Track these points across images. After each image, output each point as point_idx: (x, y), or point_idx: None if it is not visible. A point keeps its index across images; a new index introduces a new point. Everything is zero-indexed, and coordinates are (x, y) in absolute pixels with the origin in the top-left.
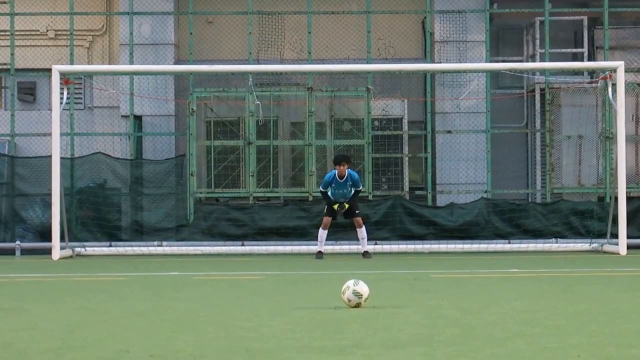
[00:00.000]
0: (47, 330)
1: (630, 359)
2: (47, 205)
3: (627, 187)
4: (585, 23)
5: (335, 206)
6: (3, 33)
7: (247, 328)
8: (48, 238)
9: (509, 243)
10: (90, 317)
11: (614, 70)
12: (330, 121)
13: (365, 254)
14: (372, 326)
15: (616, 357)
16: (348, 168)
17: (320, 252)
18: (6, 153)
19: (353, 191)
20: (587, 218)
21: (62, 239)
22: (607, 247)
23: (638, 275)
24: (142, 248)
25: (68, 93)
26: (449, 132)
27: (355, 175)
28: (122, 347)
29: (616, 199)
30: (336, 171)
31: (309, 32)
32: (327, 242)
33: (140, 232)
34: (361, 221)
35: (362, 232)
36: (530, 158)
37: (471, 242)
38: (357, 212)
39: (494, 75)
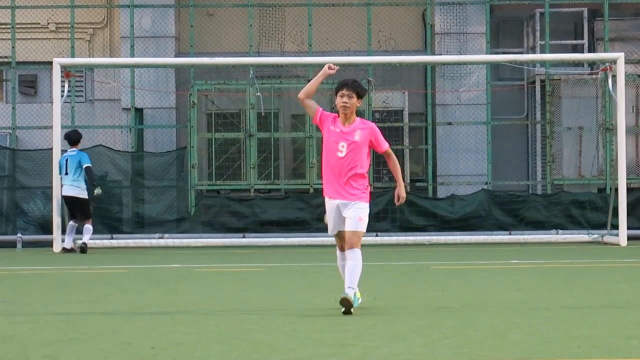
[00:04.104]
0: (48, 323)
1: (630, 349)
2: (48, 197)
3: (627, 179)
4: (586, 15)
5: None
6: (4, 26)
7: (248, 320)
8: (49, 230)
9: (510, 234)
10: (91, 310)
11: (614, 61)
12: None
13: None
14: (372, 318)
15: (616, 348)
16: None
17: None
18: (7, 146)
19: None
20: (587, 209)
21: (63, 231)
22: (608, 238)
23: (638, 266)
24: (143, 240)
25: (69, 86)
26: (450, 123)
27: None
28: (123, 339)
29: (616, 190)
30: None
31: (310, 25)
32: (328, 235)
33: (141, 225)
34: None
35: None
36: (531, 149)
37: (472, 233)
38: None
39: (494, 67)
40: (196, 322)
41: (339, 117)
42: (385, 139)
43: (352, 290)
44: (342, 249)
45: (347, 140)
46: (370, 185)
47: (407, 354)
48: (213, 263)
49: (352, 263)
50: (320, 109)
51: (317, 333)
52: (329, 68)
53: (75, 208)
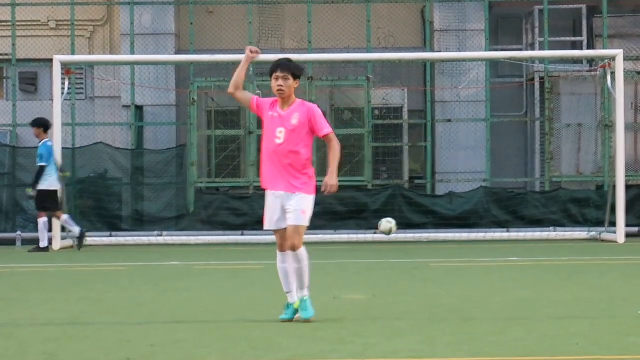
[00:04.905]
0: (48, 320)
1: (629, 346)
2: None
3: (625, 176)
4: (584, 11)
5: None
6: (4, 23)
7: (247, 318)
8: (49, 228)
9: (508, 231)
10: (91, 307)
11: (613, 58)
12: (331, 110)
13: None
14: (371, 315)
15: (615, 344)
16: None
17: None
18: (8, 143)
19: None
20: (585, 206)
21: (63, 229)
22: (606, 236)
23: (636, 263)
24: (142, 238)
25: (69, 83)
26: (449, 121)
27: None
28: (122, 337)
29: (615, 187)
30: None
31: (309, 22)
32: (327, 232)
33: (140, 222)
34: None
35: None
36: (530, 147)
37: (470, 230)
38: None
39: (493, 64)
40: (195, 320)
41: (279, 101)
42: (328, 125)
43: (304, 291)
44: (283, 249)
45: (285, 126)
46: (369, 182)
47: (407, 351)
48: (212, 260)
49: (297, 266)
50: (255, 97)
51: (316, 330)
52: (251, 51)
53: (56, 200)
